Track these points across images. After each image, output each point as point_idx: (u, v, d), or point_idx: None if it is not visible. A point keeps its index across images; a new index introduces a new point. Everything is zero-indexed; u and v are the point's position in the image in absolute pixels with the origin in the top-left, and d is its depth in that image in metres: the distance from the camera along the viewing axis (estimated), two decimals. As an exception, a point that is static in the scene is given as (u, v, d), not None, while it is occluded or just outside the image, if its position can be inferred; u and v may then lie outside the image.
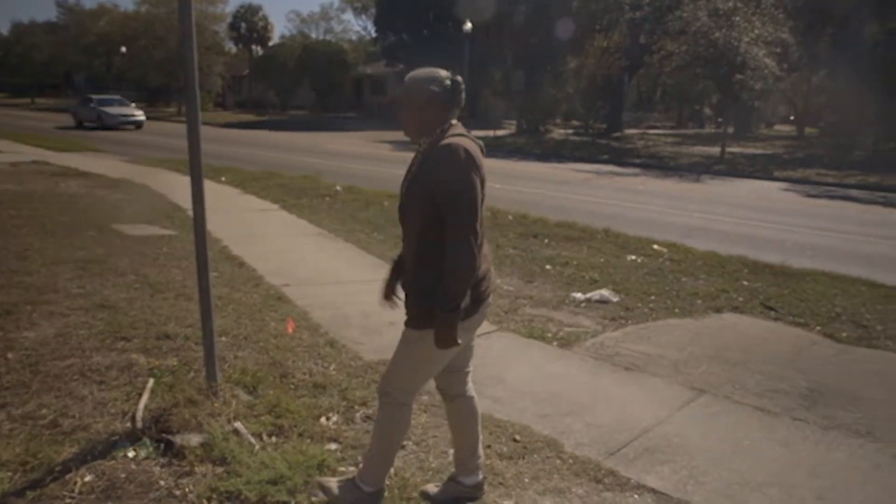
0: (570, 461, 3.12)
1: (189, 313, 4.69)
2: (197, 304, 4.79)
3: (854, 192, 15.67)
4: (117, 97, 32.30)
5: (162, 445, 3.08)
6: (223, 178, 12.18)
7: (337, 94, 45.75)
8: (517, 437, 3.32)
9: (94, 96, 31.78)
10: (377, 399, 2.68)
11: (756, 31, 19.14)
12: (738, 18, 19.21)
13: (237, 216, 8.75)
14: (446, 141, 2.28)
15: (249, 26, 55.73)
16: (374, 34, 45.01)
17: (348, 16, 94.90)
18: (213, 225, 7.00)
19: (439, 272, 2.27)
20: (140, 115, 29.50)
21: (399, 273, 2.65)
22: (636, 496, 2.90)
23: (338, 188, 11.35)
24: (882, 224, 11.04)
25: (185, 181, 12.15)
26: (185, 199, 9.30)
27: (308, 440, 3.17)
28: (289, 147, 22.32)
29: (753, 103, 28.73)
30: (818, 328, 5.22)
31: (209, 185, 10.76)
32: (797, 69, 30.11)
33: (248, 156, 18.03)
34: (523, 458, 3.16)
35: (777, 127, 47.72)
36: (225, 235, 7.24)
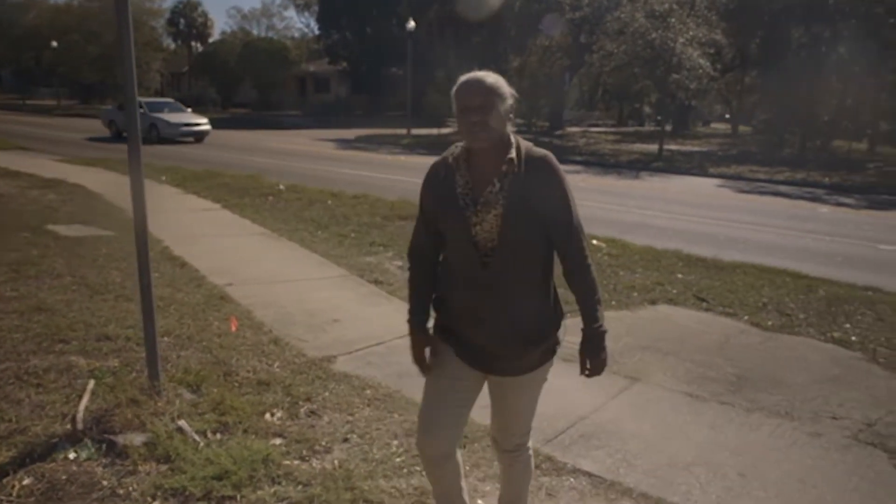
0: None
1: (129, 314, 4.64)
2: (138, 305, 4.79)
3: (783, 188, 16.36)
4: (170, 100, 26.09)
5: (104, 446, 3.07)
6: (164, 178, 11.94)
7: (279, 91, 45.15)
8: (459, 428, 3.42)
9: (143, 99, 24.03)
10: (513, 457, 2.44)
11: (691, 33, 19.80)
12: (673, 20, 19.83)
13: (178, 216, 8.63)
14: (534, 148, 2.12)
15: (188, 22, 54.51)
16: (317, 32, 44.69)
17: (291, 13, 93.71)
18: (154, 225, 6.85)
19: (551, 294, 2.19)
20: (205, 124, 23.10)
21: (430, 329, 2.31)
22: (572, 479, 3.04)
23: (281, 187, 11.28)
24: (807, 219, 11.59)
25: (122, 181, 11.90)
26: (122, 199, 9.13)
27: (253, 436, 3.20)
28: (230, 145, 21.99)
29: (690, 102, 29.63)
30: (746, 317, 5.49)
31: (150, 185, 10.47)
32: (730, 69, 31.24)
33: (189, 154, 17.71)
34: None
35: (713, 125, 49.25)
36: (166, 235, 7.14)
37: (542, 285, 2.17)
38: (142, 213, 3.39)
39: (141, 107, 22.70)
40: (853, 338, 5.08)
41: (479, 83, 2.05)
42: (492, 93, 2.04)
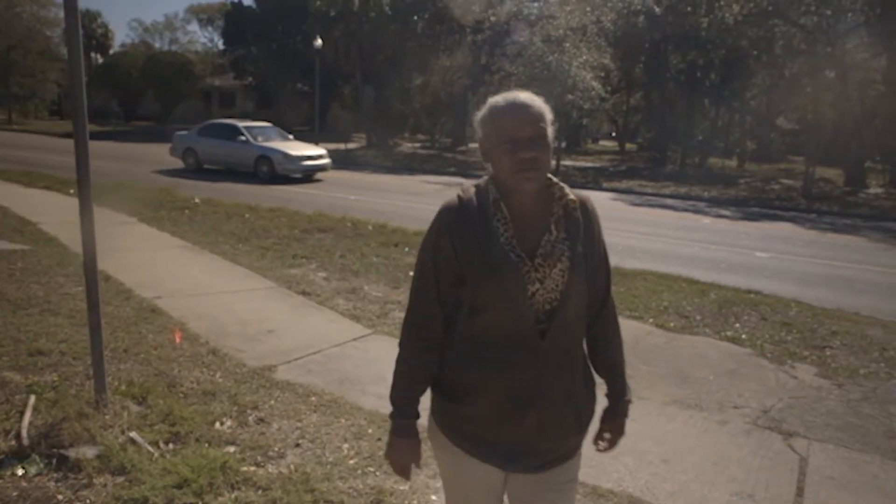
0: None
1: (59, 328, 4.55)
2: (66, 319, 4.74)
3: (669, 201, 17.50)
4: (268, 125, 19.37)
5: (54, 460, 3.06)
6: (72, 191, 11.40)
7: (184, 105, 43.65)
8: (404, 429, 3.61)
9: (238, 123, 18.18)
10: None
11: (583, 57, 20.95)
12: (568, 45, 20.91)
13: (95, 230, 8.29)
14: (567, 189, 1.78)
15: (87, 33, 51.83)
16: (221, 47, 43.71)
17: (194, 27, 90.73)
18: (68, 238, 6.68)
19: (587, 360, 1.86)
20: (326, 157, 17.42)
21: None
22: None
23: (196, 200, 11.06)
24: (693, 229, 12.53)
25: (27, 193, 11.34)
26: (31, 212, 8.75)
27: (206, 445, 3.27)
28: (138, 158, 21.01)
29: (582, 121, 31.15)
30: (651, 320, 5.99)
31: (58, 199, 10.23)
32: (617, 91, 33.10)
33: (96, 168, 16.68)
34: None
35: (602, 142, 51.75)
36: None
37: (584, 350, 1.85)
38: (90, 230, 3.40)
39: (240, 133, 17.29)
40: (743, 336, 5.67)
41: (529, 108, 1.66)
42: (543, 120, 1.67)
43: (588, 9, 22.58)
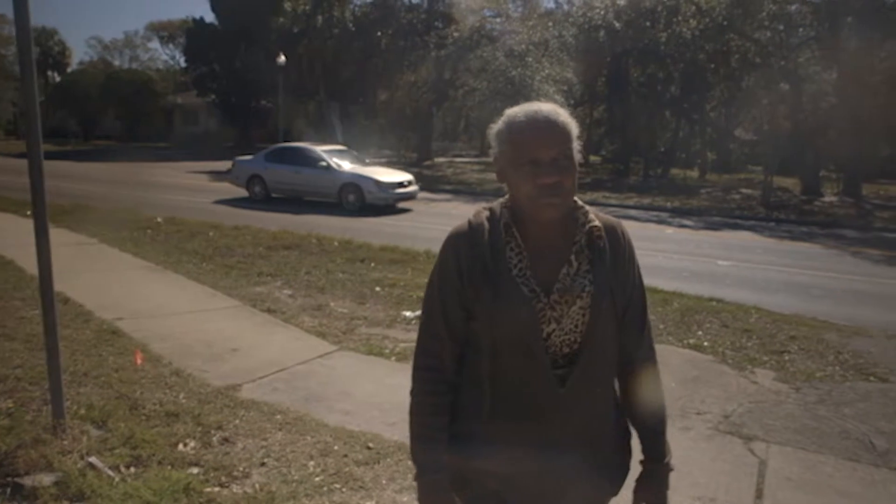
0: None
1: (15, 353, 4.45)
2: (22, 344, 4.66)
3: (633, 212, 17.72)
4: (342, 148, 17.83)
5: (9, 490, 2.99)
6: (29, 213, 11.13)
7: (146, 123, 43.17)
8: (370, 445, 3.61)
9: (315, 147, 16.13)
10: None
11: (546, 71, 21.31)
12: (530, 59, 21.23)
13: (53, 251, 8.00)
14: (600, 213, 1.61)
15: (44, 51, 51.07)
16: (183, 64, 43.45)
17: (155, 44, 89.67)
18: (26, 261, 6.52)
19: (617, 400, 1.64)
20: (414, 183, 15.67)
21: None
22: (480, 483, 3.31)
23: (159, 220, 10.91)
24: (657, 239, 12.72)
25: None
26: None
27: (169, 467, 3.23)
28: (98, 178, 20.61)
29: (546, 133, 31.54)
30: (615, 330, 6.06)
31: (14, 220, 9.94)
32: (580, 104, 33.60)
33: (53, 188, 16.38)
34: (378, 462, 3.46)
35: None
36: (38, 271, 6.77)
37: (615, 398, 1.63)
38: (46, 252, 3.35)
39: (320, 158, 15.09)
40: (705, 343, 5.78)
41: (554, 125, 1.45)
42: (569, 138, 1.46)
43: (550, 24, 22.97)
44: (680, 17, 22.56)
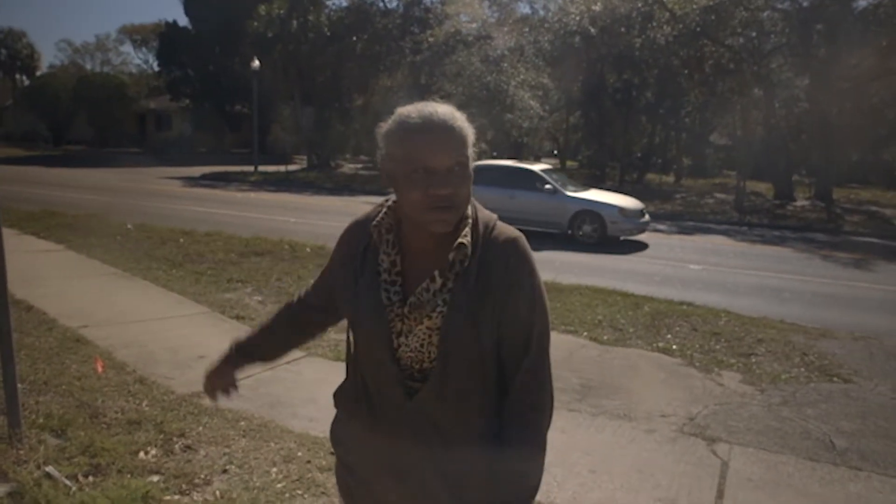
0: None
1: (-29, 363, 4.36)
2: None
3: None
4: (549, 166, 16.14)
5: (-39, 502, 2.93)
6: (-13, 218, 10.97)
7: (118, 128, 42.68)
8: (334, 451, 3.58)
9: (532, 167, 13.67)
10: None
11: (521, 77, 21.42)
12: (506, 65, 21.34)
13: (17, 258, 7.93)
14: (501, 225, 1.46)
15: (11, 53, 50.34)
16: (156, 68, 43.09)
17: (128, 48, 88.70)
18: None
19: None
20: (647, 214, 13.23)
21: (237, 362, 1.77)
22: None
23: (129, 226, 10.78)
24: (630, 243, 12.82)
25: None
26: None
27: (128, 475, 3.18)
28: (68, 184, 20.29)
29: (523, 139, 31.73)
30: (585, 333, 6.10)
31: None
32: (557, 110, 33.84)
33: (20, 194, 16.12)
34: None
35: (543, 160, 52.75)
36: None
37: (492, 433, 1.46)
38: (0, 255, 3.29)
39: (542, 180, 12.73)
40: (674, 346, 5.83)
41: (451, 130, 1.33)
42: (465, 144, 1.35)
43: (525, 29, 23.08)
44: (654, 23, 22.78)
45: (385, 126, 1.41)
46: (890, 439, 4.05)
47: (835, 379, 5.13)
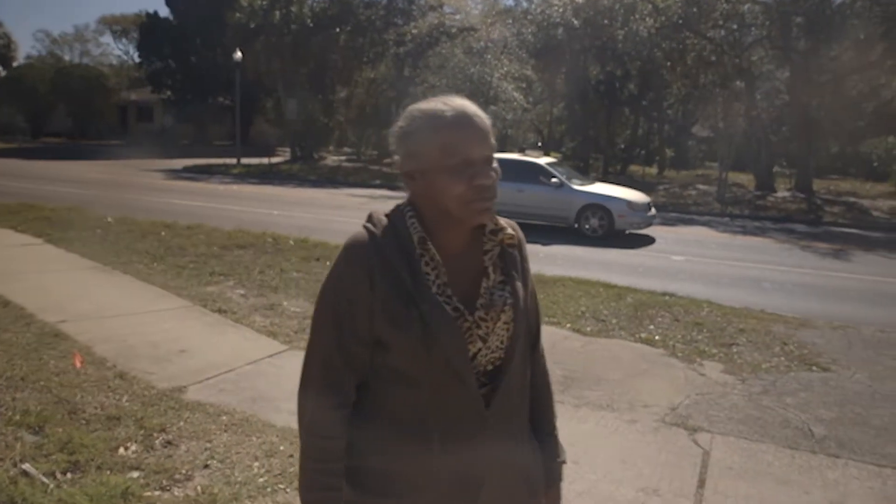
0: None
1: (-54, 359, 4.29)
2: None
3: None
4: (555, 160, 16.37)
5: (-65, 501, 2.89)
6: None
7: (98, 120, 42.12)
8: (318, 444, 3.57)
9: (537, 161, 13.43)
10: None
11: (505, 69, 21.42)
12: (489, 57, 21.32)
13: None
14: (500, 219, 1.48)
15: (-14, 43, 49.35)
16: (137, 59, 42.57)
17: (107, 39, 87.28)
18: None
19: None
20: (653, 208, 13.19)
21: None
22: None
23: (109, 219, 10.65)
24: (614, 235, 12.87)
25: None
26: None
27: (108, 472, 3.15)
28: (47, 177, 20.03)
29: (507, 131, 31.77)
30: (568, 325, 6.12)
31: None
32: (540, 102, 33.87)
33: None
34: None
35: (528, 152, 52.80)
36: (-22, 274, 6.56)
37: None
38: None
39: (548, 174, 12.68)
40: (656, 337, 5.86)
41: (481, 120, 1.34)
42: (492, 136, 1.37)
43: (509, 21, 23.04)
44: (637, 16, 22.84)
45: (405, 125, 1.37)
46: (867, 426, 4.10)
47: (814, 368, 5.19)
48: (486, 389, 1.37)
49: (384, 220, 1.39)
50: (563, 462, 1.61)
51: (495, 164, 1.35)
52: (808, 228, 15.68)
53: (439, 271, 1.34)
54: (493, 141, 1.34)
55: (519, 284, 1.42)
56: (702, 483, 3.37)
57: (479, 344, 1.35)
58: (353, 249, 1.36)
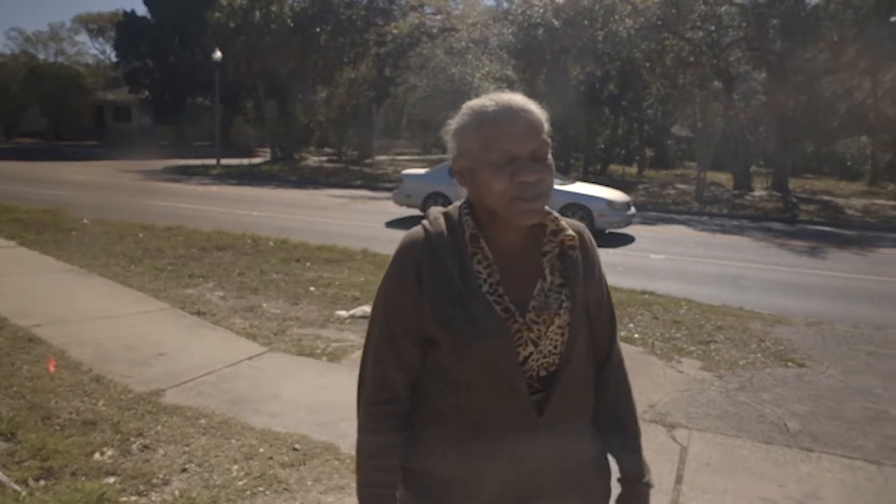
0: (348, 461, 3.41)
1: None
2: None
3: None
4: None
5: None
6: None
7: (74, 120, 41.53)
8: (297, 447, 3.55)
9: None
10: None
11: (486, 69, 21.45)
12: (470, 57, 21.34)
13: None
14: (566, 219, 1.45)
15: (-42, 42, 48.50)
16: (114, 59, 42.05)
17: (83, 38, 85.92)
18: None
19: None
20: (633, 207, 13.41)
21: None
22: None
23: (85, 221, 10.51)
24: (593, 235, 12.95)
25: None
26: None
27: (83, 478, 3.11)
28: (21, 178, 19.65)
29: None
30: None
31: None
32: (521, 102, 33.99)
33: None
34: (304, 464, 3.41)
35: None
36: (-51, 278, 6.45)
37: (593, 419, 1.47)
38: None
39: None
40: (636, 335, 5.91)
41: (530, 114, 1.30)
42: (544, 130, 1.31)
43: (490, 21, 23.07)
44: (616, 16, 22.97)
45: (454, 123, 1.36)
46: (839, 420, 4.17)
47: (789, 364, 5.26)
48: (540, 396, 1.33)
49: (440, 218, 1.37)
50: (649, 485, 1.47)
51: (549, 161, 1.30)
52: (785, 227, 15.88)
53: (491, 270, 1.32)
54: (544, 137, 1.29)
55: (579, 288, 1.36)
56: (679, 479, 3.40)
57: (531, 347, 1.32)
58: (404, 248, 1.37)
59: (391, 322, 1.36)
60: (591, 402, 1.45)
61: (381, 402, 1.37)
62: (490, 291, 1.31)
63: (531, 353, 1.32)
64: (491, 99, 1.31)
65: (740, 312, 6.91)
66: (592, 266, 1.42)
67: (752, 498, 3.24)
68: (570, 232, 1.38)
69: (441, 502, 1.36)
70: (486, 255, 1.32)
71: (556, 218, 1.39)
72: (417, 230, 1.37)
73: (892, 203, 21.39)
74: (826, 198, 22.43)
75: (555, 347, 1.33)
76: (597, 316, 1.42)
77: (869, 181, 29.38)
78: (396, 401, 1.38)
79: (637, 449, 1.48)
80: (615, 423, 1.48)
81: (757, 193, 22.32)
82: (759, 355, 5.46)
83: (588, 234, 1.45)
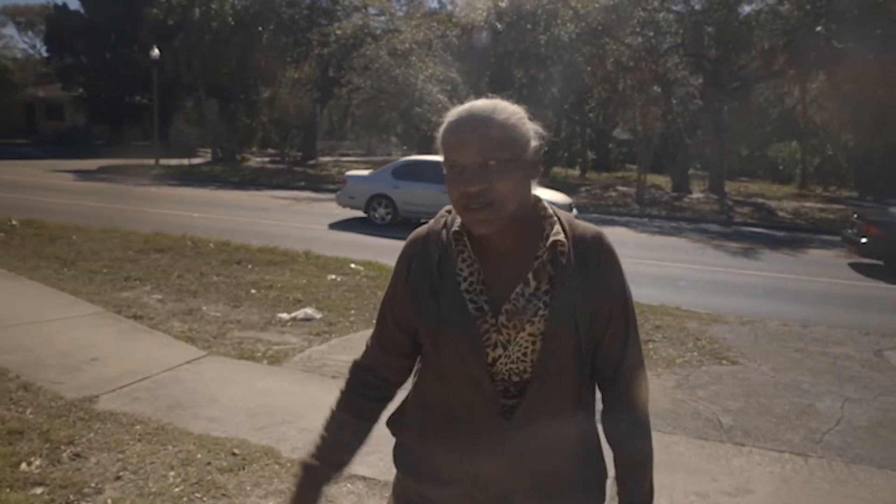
0: (288, 465, 3.38)
1: None
2: None
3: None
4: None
5: None
6: None
7: (2, 118, 39.67)
8: (236, 451, 3.49)
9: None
10: None
11: (430, 71, 21.50)
12: (414, 58, 21.35)
13: None
14: (580, 222, 1.40)
15: None
16: (45, 54, 40.34)
17: (11, 31, 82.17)
18: None
19: (595, 437, 1.44)
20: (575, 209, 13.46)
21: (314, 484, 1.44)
22: (349, 485, 3.27)
23: (14, 222, 10.07)
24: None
25: None
26: None
27: (7, 489, 2.99)
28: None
29: (431, 133, 32.00)
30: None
31: None
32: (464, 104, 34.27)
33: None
34: (243, 468, 3.36)
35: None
36: None
37: (584, 436, 1.41)
38: None
39: None
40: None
41: (482, 122, 1.25)
42: (505, 141, 1.25)
43: (434, 23, 23.14)
44: (559, 21, 23.33)
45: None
46: (769, 415, 4.34)
47: (724, 361, 5.44)
48: (514, 402, 1.32)
49: (442, 217, 1.42)
50: None
51: (504, 169, 1.24)
52: (721, 228, 16.42)
53: (474, 268, 1.32)
54: (502, 143, 1.24)
55: (564, 297, 1.29)
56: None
57: (500, 350, 1.31)
58: (406, 243, 1.44)
59: (384, 307, 1.45)
60: (579, 417, 1.38)
61: (362, 366, 1.48)
62: (468, 289, 1.31)
63: (500, 356, 1.31)
64: (462, 107, 1.30)
65: (678, 312, 7.11)
66: (600, 278, 1.33)
67: (686, 493, 3.34)
68: (561, 237, 1.32)
69: (419, 482, 1.43)
70: (471, 254, 1.33)
71: (555, 221, 1.35)
72: (423, 227, 1.43)
73: (821, 206, 22.36)
74: (759, 200, 23.28)
75: (524, 354, 1.31)
76: (602, 333, 1.34)
77: (799, 184, 30.62)
78: (374, 373, 1.46)
79: (640, 478, 1.39)
80: (618, 447, 1.40)
81: (695, 196, 23.00)
82: (695, 353, 5.63)
83: (603, 243, 1.35)
